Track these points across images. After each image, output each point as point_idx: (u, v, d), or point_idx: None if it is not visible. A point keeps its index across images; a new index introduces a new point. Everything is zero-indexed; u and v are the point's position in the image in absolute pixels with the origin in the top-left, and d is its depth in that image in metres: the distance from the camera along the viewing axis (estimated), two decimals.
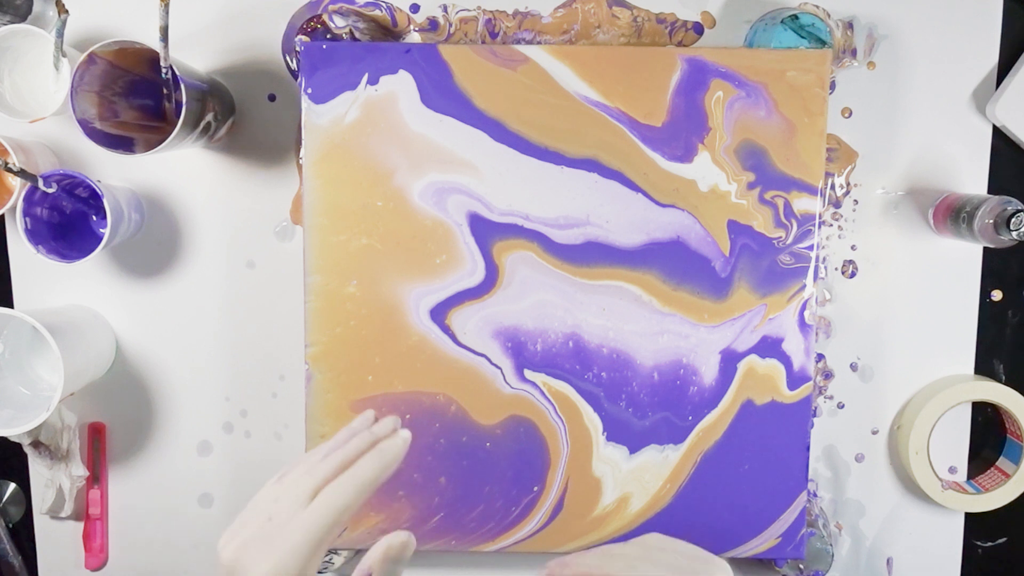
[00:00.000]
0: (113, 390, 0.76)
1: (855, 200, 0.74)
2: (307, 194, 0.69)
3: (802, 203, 0.68)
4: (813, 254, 0.69)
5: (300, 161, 0.73)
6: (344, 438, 0.52)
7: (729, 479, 0.70)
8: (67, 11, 0.65)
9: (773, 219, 0.69)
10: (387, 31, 0.73)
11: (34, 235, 0.68)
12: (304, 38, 0.72)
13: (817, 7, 0.70)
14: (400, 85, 0.68)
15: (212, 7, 0.73)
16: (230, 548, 0.47)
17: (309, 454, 0.52)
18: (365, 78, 0.68)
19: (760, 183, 0.68)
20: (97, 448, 0.76)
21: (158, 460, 0.77)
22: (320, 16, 0.72)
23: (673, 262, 0.69)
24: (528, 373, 0.70)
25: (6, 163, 0.63)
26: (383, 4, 0.73)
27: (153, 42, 0.63)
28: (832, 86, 0.73)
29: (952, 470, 0.76)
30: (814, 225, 0.68)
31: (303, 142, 0.68)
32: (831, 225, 0.74)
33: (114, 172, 0.75)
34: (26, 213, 0.68)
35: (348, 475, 0.48)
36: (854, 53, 0.73)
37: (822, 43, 0.69)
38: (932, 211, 0.73)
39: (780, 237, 0.69)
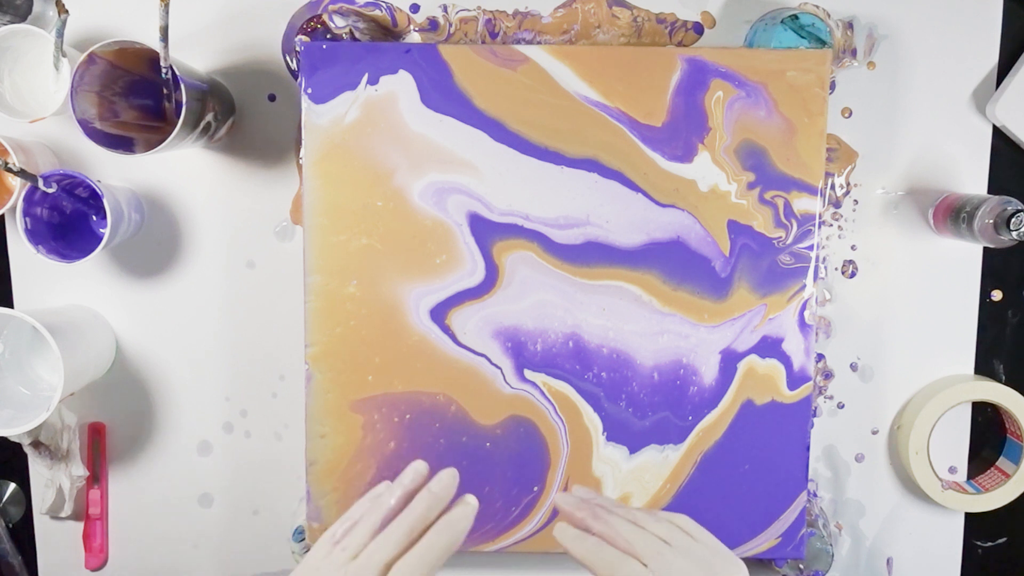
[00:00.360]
0: (113, 390, 0.76)
1: (855, 200, 0.74)
2: (307, 194, 0.69)
3: (802, 203, 0.68)
4: (813, 254, 0.69)
5: (300, 161, 0.72)
6: (400, 497, 0.51)
7: (729, 479, 0.70)
8: (67, 11, 0.65)
9: (773, 219, 0.69)
10: (387, 31, 0.73)
11: (34, 235, 0.68)
12: (304, 38, 0.72)
13: (817, 7, 0.70)
14: (400, 85, 0.68)
15: (212, 7, 0.73)
16: None
17: (363, 511, 0.50)
18: (365, 78, 0.68)
19: (760, 183, 0.68)
20: (97, 448, 0.76)
21: (158, 460, 0.77)
22: (320, 16, 0.72)
23: (673, 262, 0.69)
24: (528, 373, 0.70)
25: (6, 163, 0.63)
26: (383, 4, 0.73)
27: (153, 42, 0.63)
28: (832, 86, 0.73)
29: (952, 470, 0.76)
30: (814, 225, 0.68)
31: (303, 142, 0.68)
32: (831, 225, 0.74)
33: (114, 172, 0.75)
34: (26, 213, 0.68)
35: (420, 552, 0.48)
36: (854, 53, 0.73)
37: (822, 43, 0.69)
38: (932, 211, 0.73)
39: (780, 237, 0.69)
